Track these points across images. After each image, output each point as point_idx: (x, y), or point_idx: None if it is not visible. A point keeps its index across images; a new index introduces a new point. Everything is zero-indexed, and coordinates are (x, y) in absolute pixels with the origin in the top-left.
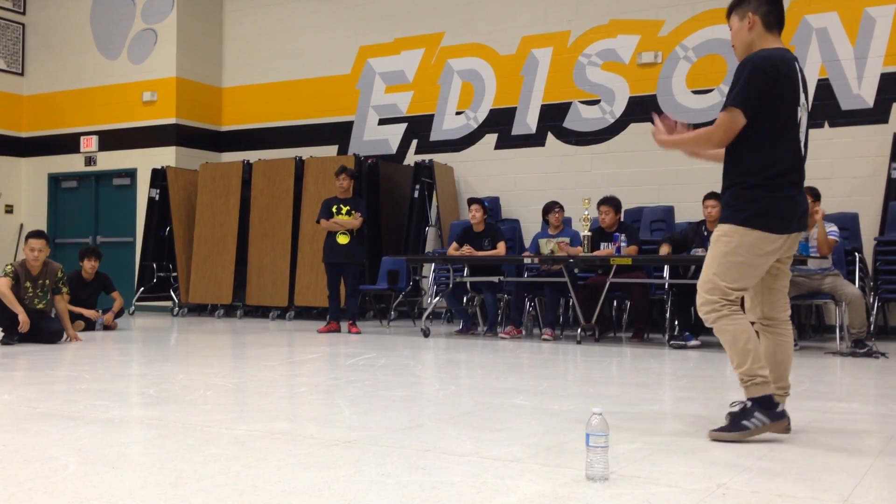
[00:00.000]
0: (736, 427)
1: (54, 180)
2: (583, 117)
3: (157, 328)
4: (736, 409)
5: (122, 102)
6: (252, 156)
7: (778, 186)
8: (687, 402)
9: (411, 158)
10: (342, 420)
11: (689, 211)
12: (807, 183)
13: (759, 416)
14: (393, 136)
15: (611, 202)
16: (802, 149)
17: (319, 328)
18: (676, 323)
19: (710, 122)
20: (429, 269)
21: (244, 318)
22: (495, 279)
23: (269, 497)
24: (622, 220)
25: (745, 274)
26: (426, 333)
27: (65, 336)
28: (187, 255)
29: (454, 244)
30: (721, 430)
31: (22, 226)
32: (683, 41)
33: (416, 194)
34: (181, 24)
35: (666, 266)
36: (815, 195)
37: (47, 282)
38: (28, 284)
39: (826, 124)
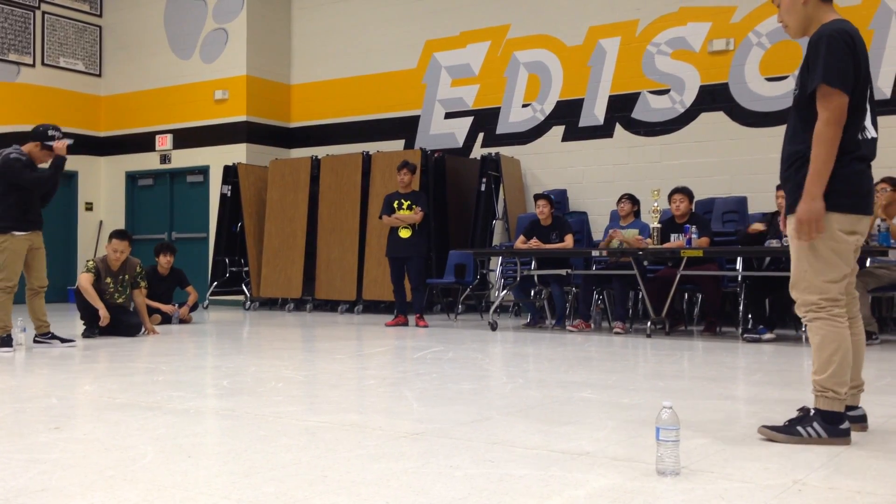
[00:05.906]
0: (789, 430)
1: (131, 178)
2: (652, 107)
3: (229, 322)
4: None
5: (194, 101)
6: (320, 151)
7: (846, 162)
8: (761, 397)
9: (478, 152)
10: (410, 412)
11: (762, 201)
12: (886, 172)
13: (817, 426)
14: (459, 129)
15: (685, 191)
16: (871, 125)
17: (387, 322)
18: (750, 316)
19: (785, 110)
20: (496, 263)
21: (313, 312)
22: (563, 272)
23: (338, 487)
24: (693, 210)
25: (833, 262)
26: (494, 327)
27: (143, 329)
28: (258, 250)
29: (521, 237)
30: (773, 428)
31: (101, 223)
32: (756, 27)
33: (483, 188)
34: (251, 22)
35: (739, 258)
36: (894, 184)
37: (126, 277)
38: (108, 280)
39: None
